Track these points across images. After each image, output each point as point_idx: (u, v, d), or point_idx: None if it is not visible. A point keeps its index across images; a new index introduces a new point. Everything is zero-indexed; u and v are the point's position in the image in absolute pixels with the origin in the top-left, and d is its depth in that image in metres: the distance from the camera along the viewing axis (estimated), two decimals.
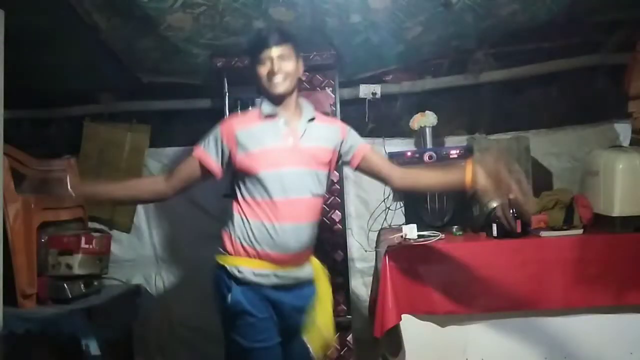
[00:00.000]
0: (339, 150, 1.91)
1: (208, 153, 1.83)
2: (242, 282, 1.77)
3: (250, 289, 1.77)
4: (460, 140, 3.07)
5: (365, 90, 3.11)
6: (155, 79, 3.16)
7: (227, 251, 1.83)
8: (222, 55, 2.85)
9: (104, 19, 2.51)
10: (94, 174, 3.28)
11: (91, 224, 3.16)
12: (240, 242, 1.78)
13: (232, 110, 3.02)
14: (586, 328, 2.31)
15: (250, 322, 1.75)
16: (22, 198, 2.54)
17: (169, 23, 2.54)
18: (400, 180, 1.95)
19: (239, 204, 1.81)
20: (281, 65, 1.79)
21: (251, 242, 1.76)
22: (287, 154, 1.79)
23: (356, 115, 3.13)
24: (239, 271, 1.78)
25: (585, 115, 3.09)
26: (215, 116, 3.16)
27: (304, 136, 1.83)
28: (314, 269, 1.91)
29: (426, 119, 2.90)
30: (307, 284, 1.88)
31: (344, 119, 2.93)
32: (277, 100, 1.84)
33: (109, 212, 3.30)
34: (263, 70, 1.81)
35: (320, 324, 1.88)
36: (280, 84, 1.80)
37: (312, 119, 1.88)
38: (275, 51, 1.79)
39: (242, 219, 1.79)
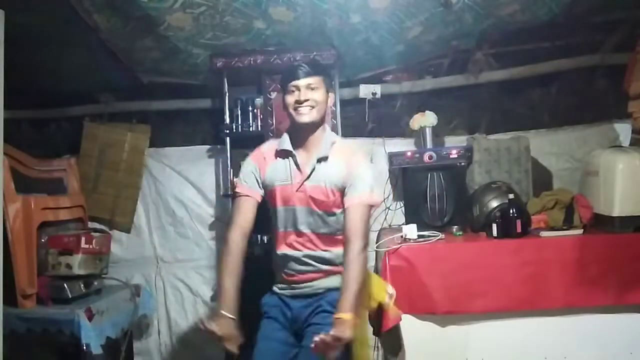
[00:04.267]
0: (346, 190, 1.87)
1: (251, 188, 1.94)
2: (274, 293, 2.00)
3: (274, 295, 1.98)
4: (460, 140, 3.07)
5: (365, 90, 3.11)
6: (155, 79, 3.16)
7: None
8: (222, 55, 2.86)
9: (104, 19, 2.51)
10: (94, 174, 3.28)
11: (91, 224, 3.16)
12: (273, 266, 2.01)
13: (232, 110, 3.04)
14: (586, 328, 2.31)
15: (264, 319, 1.97)
16: (22, 198, 2.54)
17: (169, 23, 2.54)
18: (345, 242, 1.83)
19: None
20: (308, 94, 1.84)
21: (274, 264, 1.98)
22: (291, 193, 1.89)
23: (356, 115, 3.14)
24: (273, 288, 2.01)
25: (585, 115, 3.09)
26: (215, 116, 3.19)
27: (311, 177, 1.88)
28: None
29: (426, 119, 2.90)
30: (329, 290, 1.89)
31: (344, 119, 2.95)
32: (301, 131, 1.90)
33: (109, 212, 3.30)
34: (291, 99, 1.86)
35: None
36: (306, 114, 1.85)
37: (324, 158, 1.89)
38: (303, 81, 1.85)
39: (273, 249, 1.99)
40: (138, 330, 3.23)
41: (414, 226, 2.46)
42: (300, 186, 1.87)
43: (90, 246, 2.69)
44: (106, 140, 3.30)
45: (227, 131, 3.02)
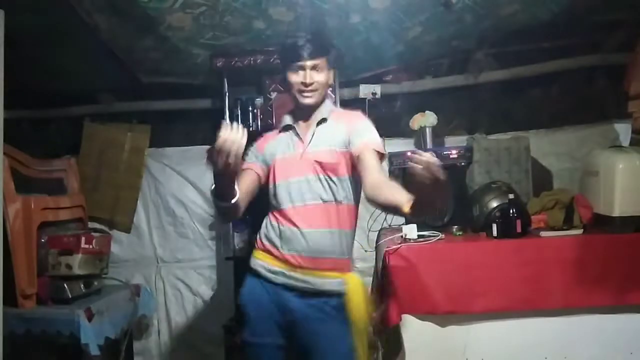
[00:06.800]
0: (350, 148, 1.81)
1: (251, 162, 1.91)
2: (255, 275, 1.86)
3: (261, 285, 1.84)
4: (460, 140, 3.07)
5: (365, 90, 3.11)
6: (155, 79, 3.16)
7: (255, 246, 1.93)
8: (222, 55, 2.86)
9: (104, 19, 2.51)
10: (94, 174, 3.28)
11: (91, 224, 3.16)
12: (261, 238, 1.89)
13: (232, 110, 3.04)
14: (586, 328, 2.31)
15: (249, 314, 1.85)
16: (22, 198, 2.54)
17: (169, 23, 2.54)
18: (369, 190, 1.71)
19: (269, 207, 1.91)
20: (314, 77, 1.81)
21: (268, 239, 1.85)
22: (294, 163, 1.83)
23: None
24: (254, 264, 1.88)
25: (585, 115, 3.09)
26: (215, 116, 3.19)
27: (312, 142, 1.84)
28: (349, 285, 1.81)
29: (426, 119, 2.90)
30: (328, 295, 1.79)
31: None
32: (304, 109, 1.88)
33: (109, 212, 3.30)
34: (295, 79, 1.83)
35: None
36: (310, 98, 1.84)
37: (323, 120, 1.87)
38: (309, 63, 1.80)
39: (266, 219, 1.89)
40: (138, 330, 3.23)
41: (414, 226, 2.45)
42: (303, 153, 1.83)
43: (90, 246, 2.68)
44: (106, 140, 3.30)
45: None
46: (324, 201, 1.79)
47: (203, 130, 3.34)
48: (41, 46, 2.62)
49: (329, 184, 1.80)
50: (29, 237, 2.55)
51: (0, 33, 2.03)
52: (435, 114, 2.92)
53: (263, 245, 1.87)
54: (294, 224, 1.79)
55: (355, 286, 1.83)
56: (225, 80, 3.00)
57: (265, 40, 2.78)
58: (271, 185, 1.87)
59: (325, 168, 1.79)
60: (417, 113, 2.94)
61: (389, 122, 3.15)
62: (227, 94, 3.02)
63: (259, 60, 2.87)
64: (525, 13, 2.67)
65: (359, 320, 1.80)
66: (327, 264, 1.79)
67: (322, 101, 1.89)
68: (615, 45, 2.97)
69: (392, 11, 2.55)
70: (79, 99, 3.33)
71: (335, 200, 1.80)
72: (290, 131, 1.90)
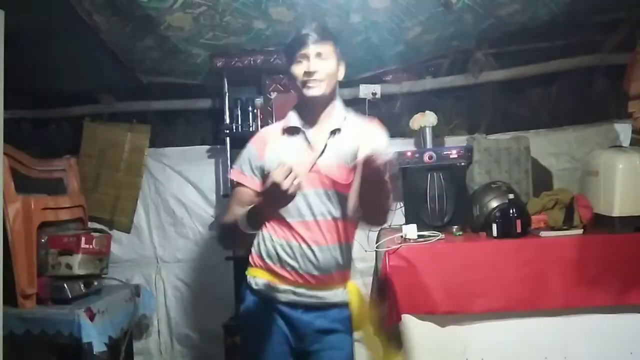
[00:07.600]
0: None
1: (247, 175, 1.73)
2: (257, 294, 1.74)
3: (264, 302, 1.73)
4: (460, 140, 3.07)
5: (365, 90, 3.11)
6: (155, 79, 3.16)
7: (250, 263, 1.79)
8: (222, 55, 2.86)
9: (104, 19, 2.51)
10: (94, 174, 3.28)
11: (91, 224, 3.16)
12: (260, 254, 1.73)
13: (232, 110, 3.04)
14: (586, 328, 2.31)
15: (254, 333, 1.73)
16: (22, 198, 2.54)
17: (169, 23, 2.54)
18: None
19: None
20: (318, 65, 1.64)
21: (272, 256, 1.70)
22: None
23: (356, 115, 3.13)
24: (255, 283, 1.74)
25: (585, 115, 3.09)
26: (215, 116, 3.19)
27: (324, 153, 1.67)
28: (350, 293, 1.76)
29: (426, 119, 2.90)
30: (336, 306, 1.72)
31: None
32: (311, 107, 1.70)
33: (109, 212, 3.30)
34: (298, 70, 1.66)
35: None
36: (316, 88, 1.65)
37: (337, 130, 1.69)
38: (313, 49, 1.64)
39: (264, 235, 1.72)
40: (138, 330, 3.23)
41: (414, 226, 2.46)
42: (313, 165, 1.65)
43: (90, 246, 2.68)
44: (106, 140, 3.30)
45: (227, 131, 3.03)
46: (333, 217, 1.67)
47: (203, 130, 3.34)
48: (41, 46, 2.62)
49: (338, 199, 1.66)
50: (29, 237, 2.55)
51: (0, 33, 2.02)
52: (435, 114, 2.92)
53: (264, 263, 1.72)
54: (305, 241, 1.66)
55: (357, 293, 1.79)
56: (225, 80, 3.00)
57: (265, 40, 2.78)
58: None
59: (336, 185, 1.65)
60: (417, 113, 2.94)
61: (389, 122, 3.14)
62: (227, 94, 3.02)
63: (259, 60, 2.87)
64: (525, 13, 2.67)
65: (366, 324, 1.79)
66: (336, 278, 1.72)
67: (330, 99, 1.71)
68: (615, 45, 2.97)
69: (392, 11, 2.55)
70: (79, 99, 3.33)
71: (343, 216, 1.68)
72: (299, 136, 1.70)
